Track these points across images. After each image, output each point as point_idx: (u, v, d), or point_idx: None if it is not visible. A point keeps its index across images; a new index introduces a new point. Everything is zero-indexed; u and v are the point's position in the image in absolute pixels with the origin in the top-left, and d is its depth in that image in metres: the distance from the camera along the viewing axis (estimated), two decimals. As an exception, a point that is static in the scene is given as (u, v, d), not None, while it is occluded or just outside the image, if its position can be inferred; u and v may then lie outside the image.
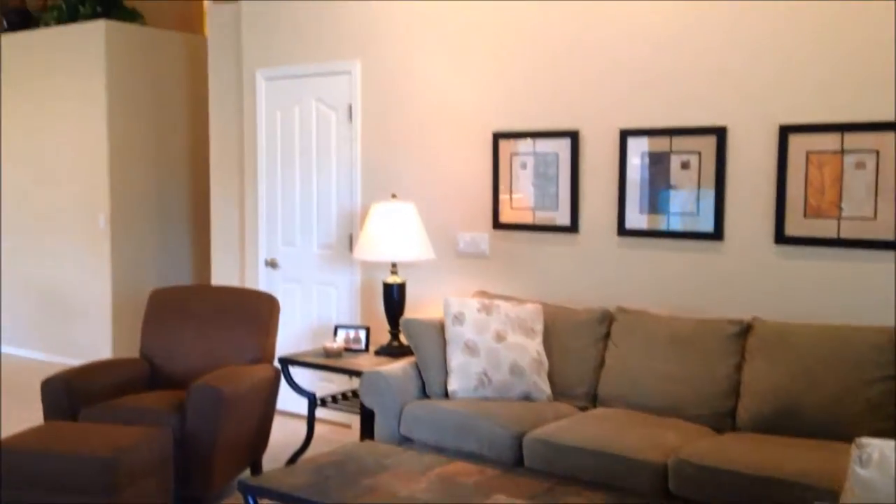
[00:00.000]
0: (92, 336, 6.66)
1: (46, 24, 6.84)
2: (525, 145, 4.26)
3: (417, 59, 4.64)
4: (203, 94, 6.77)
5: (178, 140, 6.96)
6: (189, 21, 7.42)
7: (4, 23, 7.25)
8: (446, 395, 3.76)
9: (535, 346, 3.76)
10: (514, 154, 4.31)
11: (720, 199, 3.72)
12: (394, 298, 4.31)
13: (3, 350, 7.27)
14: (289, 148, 5.23)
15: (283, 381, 4.78)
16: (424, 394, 3.84)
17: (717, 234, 3.74)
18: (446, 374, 3.79)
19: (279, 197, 5.29)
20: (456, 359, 3.75)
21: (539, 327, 3.82)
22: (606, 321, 3.81)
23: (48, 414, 3.87)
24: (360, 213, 4.87)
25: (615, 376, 3.66)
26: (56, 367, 6.39)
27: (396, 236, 4.20)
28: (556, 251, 4.22)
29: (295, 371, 4.65)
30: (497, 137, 4.35)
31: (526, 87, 4.27)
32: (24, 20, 7.16)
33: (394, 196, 4.42)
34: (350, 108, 4.91)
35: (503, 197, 4.36)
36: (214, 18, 5.73)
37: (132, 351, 6.08)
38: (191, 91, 6.99)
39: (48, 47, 6.77)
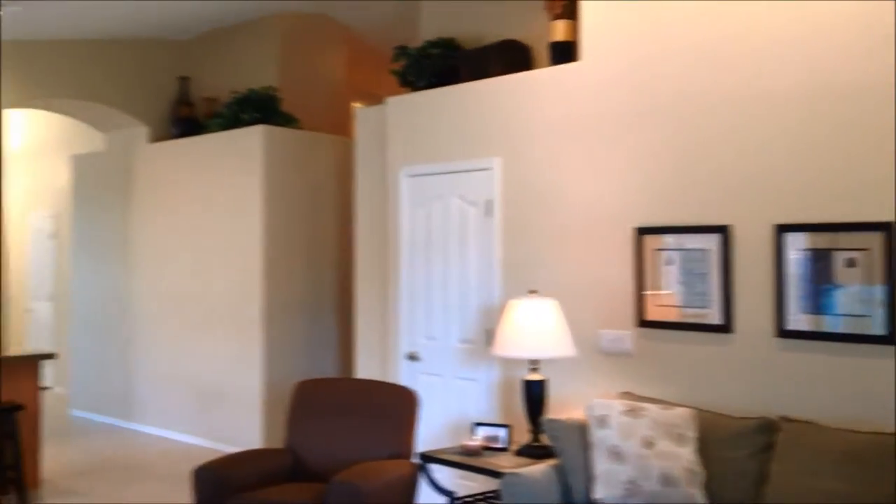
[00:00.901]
0: (244, 423, 6.80)
1: (212, 130, 7.30)
2: (671, 241, 4.07)
3: (558, 154, 4.58)
4: (350, 192, 6.99)
5: (327, 236, 7.17)
6: (339, 124, 7.74)
7: (175, 130, 7.81)
8: (590, 502, 3.53)
9: (687, 454, 3.48)
10: (658, 249, 4.12)
11: (892, 300, 3.39)
12: (534, 396, 4.14)
13: (163, 434, 7.55)
14: (430, 243, 5.26)
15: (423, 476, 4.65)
16: (567, 499, 3.62)
17: (891, 337, 3.39)
18: (590, 479, 3.57)
19: (421, 291, 5.30)
20: (601, 464, 3.53)
21: (691, 434, 3.55)
22: (767, 431, 3.49)
23: (199, 501, 3.91)
24: (499, 308, 4.78)
25: (780, 494, 3.31)
26: (211, 453, 6.55)
27: (536, 333, 4.06)
28: (707, 351, 3.95)
29: (435, 468, 4.52)
30: (640, 232, 4.19)
31: (671, 182, 4.11)
32: (192, 127, 7.69)
33: (533, 292, 4.31)
34: (489, 203, 4.90)
35: (647, 294, 4.16)
36: (362, 121, 5.93)
37: (281, 439, 6.15)
38: (339, 189, 7.23)
39: (212, 151, 7.21)
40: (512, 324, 4.13)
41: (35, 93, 7.37)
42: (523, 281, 4.71)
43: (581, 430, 3.69)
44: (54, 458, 6.48)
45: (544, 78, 4.68)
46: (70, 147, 9.48)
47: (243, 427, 6.78)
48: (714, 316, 3.92)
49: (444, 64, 5.37)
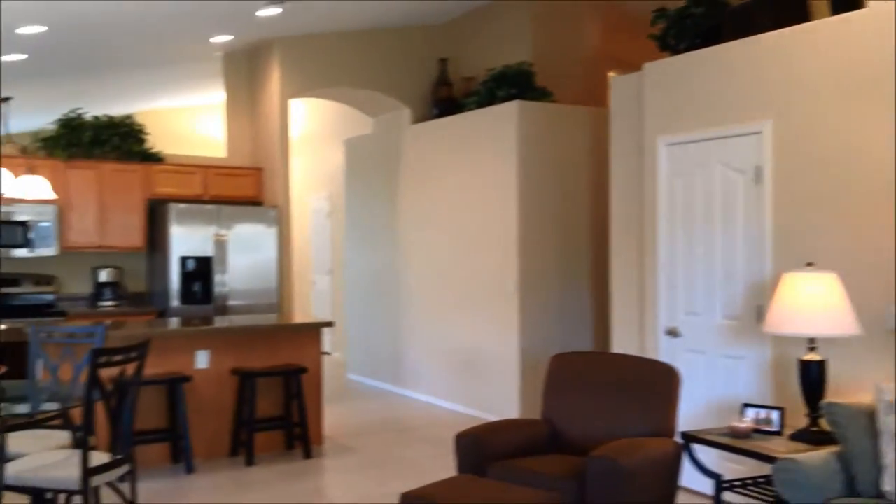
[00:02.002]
0: (502, 393, 6.96)
1: (469, 109, 7.48)
2: (981, 205, 3.52)
3: (840, 113, 4.13)
4: (605, 164, 6.84)
5: (581, 208, 7.09)
6: (594, 95, 7.60)
7: (435, 110, 8.10)
8: (878, 494, 3.17)
9: None
10: (966, 215, 3.58)
11: None
12: (812, 378, 3.79)
13: (428, 400, 7.94)
14: (690, 214, 4.99)
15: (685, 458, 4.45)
16: (850, 490, 3.28)
17: None
18: (879, 469, 3.20)
19: (680, 264, 5.06)
20: (890, 454, 3.15)
21: None
22: None
23: (461, 465, 4.04)
24: (771, 282, 4.43)
25: None
26: (472, 420, 6.79)
27: (814, 309, 3.71)
28: None
29: (698, 449, 4.31)
30: (942, 196, 3.66)
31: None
32: (451, 107, 7.94)
33: (810, 264, 3.93)
34: (758, 170, 4.54)
35: (951, 266, 3.63)
36: (617, 89, 5.76)
37: (537, 410, 6.21)
38: (594, 161, 7.11)
39: (469, 129, 7.39)
40: (787, 299, 3.80)
41: (311, 83, 8.00)
42: (798, 253, 4.32)
43: (868, 416, 3.32)
44: (334, 417, 7.04)
45: (824, 30, 4.23)
46: (343, 132, 10.20)
47: (501, 397, 6.93)
48: None
49: (706, 23, 5.05)
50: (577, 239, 7.08)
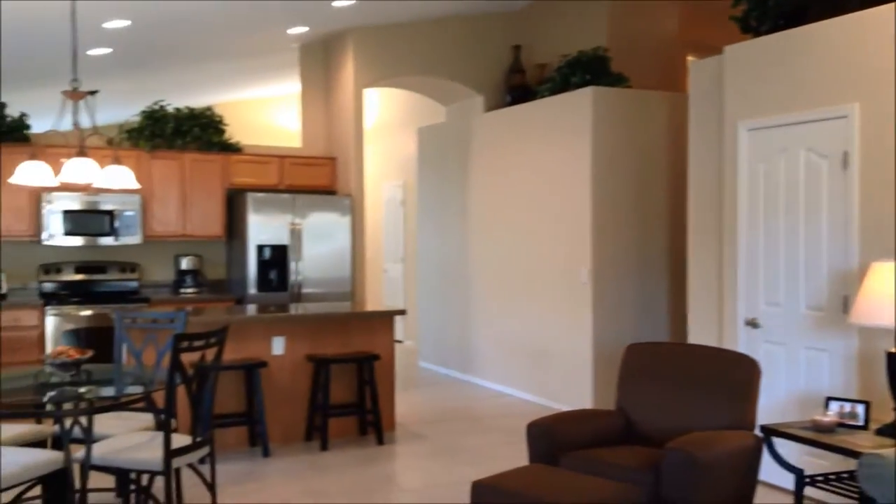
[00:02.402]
0: (574, 382, 6.90)
1: (542, 96, 7.41)
2: None
3: (934, 94, 3.93)
4: (683, 150, 6.68)
5: (657, 196, 6.95)
6: (671, 80, 7.43)
7: (508, 98, 8.05)
8: (975, 496, 3.01)
9: None
10: None
11: None
12: (901, 372, 3.63)
13: (498, 388, 7.94)
14: (772, 201, 4.83)
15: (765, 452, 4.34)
16: (944, 491, 3.12)
17: None
18: (975, 470, 3.04)
19: (761, 253, 4.91)
20: None
21: None
22: None
23: (533, 455, 4.02)
24: (858, 272, 4.26)
25: None
26: (543, 409, 6.75)
27: (906, 300, 3.54)
28: None
29: (779, 443, 4.18)
30: None
31: None
32: (523, 94, 7.87)
33: (902, 253, 3.77)
34: (845, 155, 4.36)
35: None
36: (696, 74, 5.61)
37: (611, 400, 6.14)
38: (670, 147, 6.95)
39: (542, 116, 7.32)
40: (875, 289, 3.65)
41: (385, 72, 8.05)
42: (886, 241, 4.14)
43: (963, 414, 3.16)
44: (405, 404, 7.10)
45: (916, 6, 4.03)
46: (416, 120, 10.23)
47: (573, 386, 6.87)
48: None
49: (791, 4, 4.87)
50: (653, 228, 6.94)
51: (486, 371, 8.18)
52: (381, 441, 5.91)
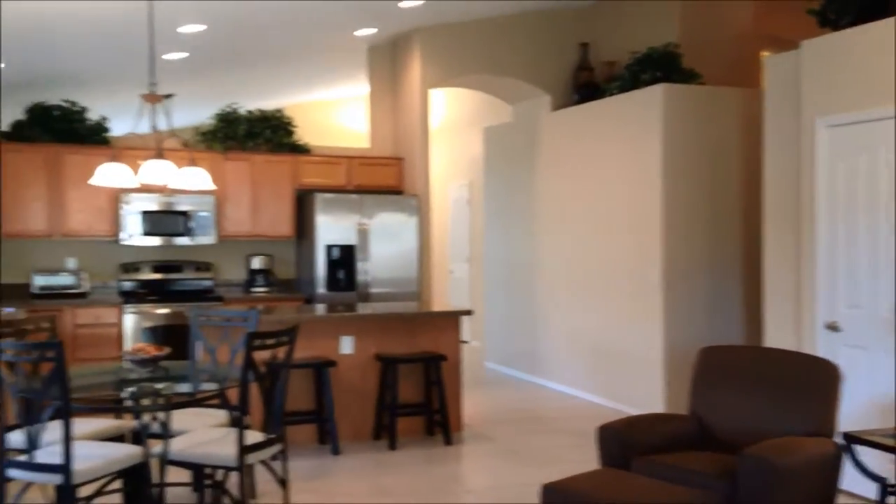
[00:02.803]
0: (645, 386, 6.79)
1: (611, 94, 7.31)
2: None
3: None
4: (758, 148, 6.51)
5: (730, 194, 6.79)
6: (745, 76, 7.24)
7: (576, 96, 7.97)
8: None
9: None
10: None
11: None
12: None
13: (565, 390, 7.87)
14: (853, 200, 4.67)
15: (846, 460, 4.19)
16: None
17: None
18: None
19: (841, 254, 4.74)
20: None
21: None
22: None
23: (603, 458, 3.97)
24: (946, 273, 4.08)
25: None
26: (612, 412, 6.66)
27: None
28: None
29: (861, 450, 4.03)
30: None
31: None
32: (591, 92, 7.78)
33: None
34: (934, 152, 4.18)
35: None
36: (772, 70, 5.46)
37: (682, 404, 6.02)
38: (744, 145, 6.78)
39: (611, 114, 7.22)
40: (964, 292, 3.48)
41: (451, 72, 8.06)
42: (978, 242, 3.96)
43: None
44: (472, 405, 7.09)
45: None
46: (482, 120, 10.22)
47: (644, 389, 6.76)
48: None
49: (872, -4, 4.69)
50: (727, 227, 6.78)
51: (552, 372, 8.12)
52: (448, 441, 5.92)
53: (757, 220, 6.40)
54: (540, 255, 8.35)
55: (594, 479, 3.49)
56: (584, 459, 5.21)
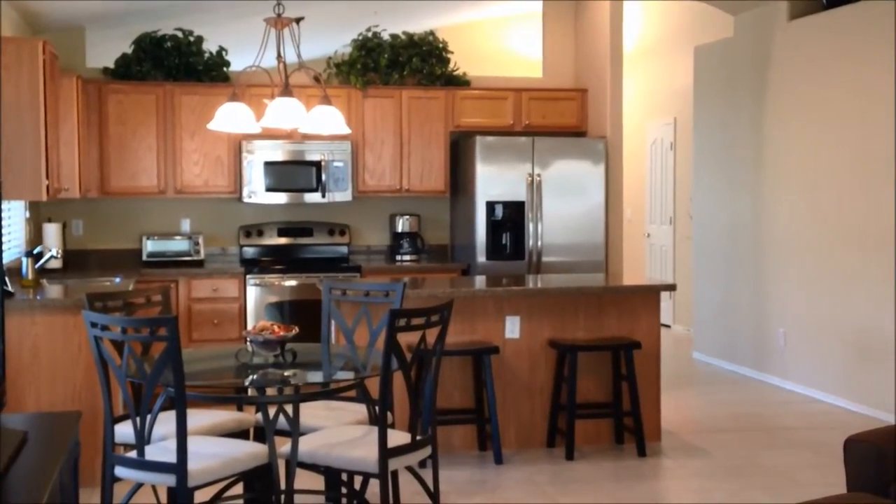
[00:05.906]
0: (908, 389, 6.47)
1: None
2: None
3: None
4: None
5: None
6: None
7: (824, 0, 7.56)
8: None
9: None
10: None
11: None
12: None
13: (806, 392, 7.61)
14: None
15: None
16: None
17: None
18: None
19: None
20: None
21: None
22: None
23: (852, 481, 3.82)
24: None
25: None
26: (870, 422, 6.37)
27: None
28: None
29: None
30: None
31: None
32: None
33: None
34: None
35: None
36: None
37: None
38: None
39: (878, 22, 6.81)
40: None
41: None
42: None
43: None
44: (675, 407, 7.00)
45: None
46: (692, 38, 9.93)
47: (911, 395, 6.44)
48: None
49: None
50: None
51: (787, 368, 7.88)
52: (642, 452, 5.88)
53: None
54: (772, 215, 8.06)
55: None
56: (829, 482, 5.05)
